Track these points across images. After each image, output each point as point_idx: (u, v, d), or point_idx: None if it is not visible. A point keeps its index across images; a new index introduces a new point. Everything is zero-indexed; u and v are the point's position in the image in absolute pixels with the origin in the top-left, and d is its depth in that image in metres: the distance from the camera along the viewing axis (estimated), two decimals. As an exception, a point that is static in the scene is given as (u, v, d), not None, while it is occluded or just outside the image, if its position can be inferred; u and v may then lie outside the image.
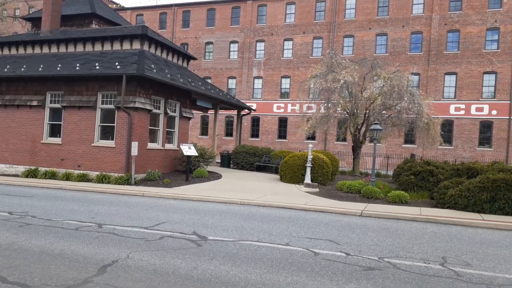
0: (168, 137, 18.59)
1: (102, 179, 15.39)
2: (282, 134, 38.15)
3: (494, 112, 31.64)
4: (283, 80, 38.28)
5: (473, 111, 32.24)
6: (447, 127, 32.53)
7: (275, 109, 38.34)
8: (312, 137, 34.92)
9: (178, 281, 5.12)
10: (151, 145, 17.08)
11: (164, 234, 7.69)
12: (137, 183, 15.27)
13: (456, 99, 32.71)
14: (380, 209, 11.66)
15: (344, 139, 32.40)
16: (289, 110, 37.41)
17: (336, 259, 6.42)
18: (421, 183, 14.80)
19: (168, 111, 18.04)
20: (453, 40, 32.97)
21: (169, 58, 20.47)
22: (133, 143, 15.15)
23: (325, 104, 22.95)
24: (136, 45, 17.97)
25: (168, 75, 17.35)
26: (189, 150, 16.43)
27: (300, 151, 25.30)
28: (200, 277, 5.30)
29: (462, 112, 32.43)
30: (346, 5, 36.14)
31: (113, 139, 16.24)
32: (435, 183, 14.13)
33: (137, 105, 15.75)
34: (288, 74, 37.87)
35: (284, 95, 38.29)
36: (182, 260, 6.00)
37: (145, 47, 18.16)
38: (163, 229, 8.15)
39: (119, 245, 6.75)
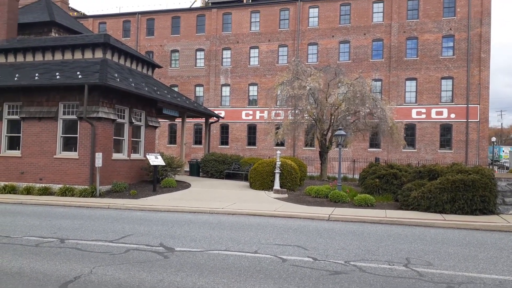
0: (134, 147, 18.23)
1: (65, 192, 14.87)
2: (251, 141, 38.26)
3: (452, 115, 33.06)
4: (251, 88, 38.49)
5: (433, 115, 33.55)
6: (410, 130, 33.68)
7: (243, 116, 38.44)
8: (281, 144, 35.22)
9: (143, 295, 5.01)
10: (116, 156, 16.68)
11: (129, 247, 7.51)
12: (102, 195, 14.86)
13: (417, 104, 33.94)
14: (346, 212, 11.87)
15: (312, 145, 32.85)
16: (257, 117, 37.60)
17: (304, 265, 6.47)
18: (385, 186, 15.21)
19: (133, 121, 17.71)
20: (412, 47, 34.30)
21: (133, 66, 20.14)
22: (97, 154, 14.76)
23: (293, 111, 23.24)
24: (99, 54, 17.57)
25: (133, 84, 17.07)
26: (155, 159, 16.17)
27: (269, 157, 25.44)
28: (167, 289, 5.20)
29: (423, 116, 33.68)
30: (309, 14, 36.89)
31: (76, 151, 15.76)
32: (399, 186, 14.54)
33: (100, 115, 15.37)
34: (256, 81, 38.12)
35: (252, 102, 38.48)
36: (148, 273, 5.88)
37: (108, 56, 17.79)
38: (128, 242, 7.95)
39: (82, 260, 6.53)
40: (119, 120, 16.80)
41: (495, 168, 39.30)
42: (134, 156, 17.96)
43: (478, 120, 32.49)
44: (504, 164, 47.22)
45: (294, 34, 37.02)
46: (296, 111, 22.98)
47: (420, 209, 12.05)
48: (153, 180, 16.28)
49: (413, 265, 6.54)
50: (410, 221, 10.70)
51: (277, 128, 24.58)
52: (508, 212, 11.56)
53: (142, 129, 18.63)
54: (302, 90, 21.53)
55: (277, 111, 26.12)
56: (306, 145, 35.14)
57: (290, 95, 22.07)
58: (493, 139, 51.07)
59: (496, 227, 10.05)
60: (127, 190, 15.67)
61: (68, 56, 17.78)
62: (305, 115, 23.41)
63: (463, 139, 32.67)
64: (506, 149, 57.79)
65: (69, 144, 16.06)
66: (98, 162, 14.62)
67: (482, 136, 32.65)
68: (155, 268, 6.17)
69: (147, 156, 16.57)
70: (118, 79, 16.07)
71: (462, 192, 11.53)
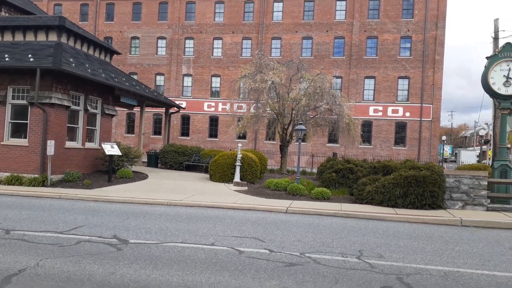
0: (89, 136, 17.56)
1: (13, 181, 14.09)
2: (213, 133, 37.98)
3: (407, 114, 34.40)
4: (213, 79, 38.12)
5: (389, 113, 34.77)
6: (367, 127, 34.73)
7: (205, 108, 38.05)
8: (243, 136, 35.19)
9: (93, 288, 4.84)
10: (69, 144, 16.00)
11: (81, 238, 7.23)
12: (54, 184, 14.22)
13: (374, 102, 35.01)
14: (304, 205, 12.07)
15: (273, 139, 33.08)
16: (220, 109, 37.34)
17: (260, 257, 6.51)
18: (342, 180, 15.59)
19: (89, 108, 17.03)
20: (371, 46, 35.26)
21: (90, 52, 19.33)
22: (49, 141, 14.07)
23: (255, 104, 23.26)
24: (53, 37, 16.71)
25: (89, 70, 16.38)
26: (111, 149, 15.66)
27: (231, 150, 25.34)
28: (118, 282, 5.05)
29: (380, 113, 34.82)
30: (274, 8, 36.95)
31: (26, 138, 14.95)
32: (354, 180, 14.96)
33: (53, 101, 14.65)
34: (218, 73, 37.79)
35: (214, 94, 38.15)
36: (99, 266, 5.68)
37: (63, 40, 16.96)
38: (80, 233, 7.66)
39: (29, 252, 6.21)
40: (73, 107, 16.10)
41: (445, 165, 41.41)
42: (89, 145, 17.31)
43: (431, 119, 34.04)
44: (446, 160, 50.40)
45: (258, 27, 36.97)
46: (258, 105, 23.02)
47: (374, 203, 12.45)
48: (108, 171, 15.77)
49: (365, 257, 6.75)
50: (364, 215, 11.04)
51: (239, 121, 24.52)
52: (454, 207, 12.19)
53: (98, 117, 17.97)
54: (264, 84, 21.57)
55: (240, 104, 26.03)
56: (267, 139, 35.35)
57: (252, 88, 22.05)
58: (444, 137, 53.78)
59: (443, 221, 10.57)
60: (81, 180, 15.09)
61: (19, 37, 16.78)
62: (267, 109, 23.49)
63: (416, 137, 34.13)
64: (446, 148, 61.91)
65: (19, 131, 15.21)
66: (50, 150, 13.95)
67: (434, 135, 34.27)
68: (107, 260, 5.97)
69: (103, 145, 16.01)
70: (73, 64, 15.37)
71: (414, 187, 12.02)
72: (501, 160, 13.23)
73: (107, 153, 15.56)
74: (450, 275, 5.93)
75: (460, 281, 5.67)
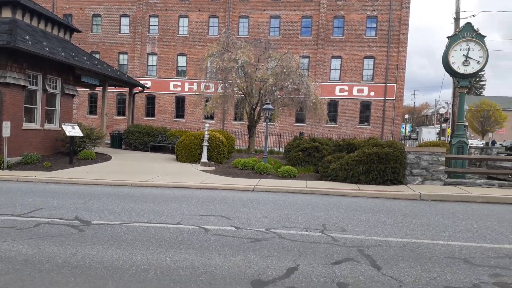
0: (49, 117, 16.87)
1: (-34, 165, 13.40)
2: (179, 113, 37.43)
3: (372, 93, 35.13)
4: (179, 58, 37.32)
5: (355, 93, 35.38)
6: (333, 107, 35.25)
7: (171, 88, 37.33)
8: (210, 117, 34.87)
9: (53, 269, 4.72)
10: (27, 125, 15.32)
11: (40, 221, 7.01)
12: (11, 167, 13.63)
13: (340, 81, 35.48)
14: (271, 183, 12.19)
15: (242, 119, 32.99)
16: (186, 89, 36.74)
17: (226, 234, 6.55)
18: (308, 158, 15.83)
19: (48, 88, 16.30)
20: (338, 26, 35.48)
21: (48, 29, 18.37)
22: (4, 123, 13.41)
23: (223, 84, 23.00)
24: (7, 14, 15.75)
25: (47, 48, 15.59)
26: (72, 130, 15.14)
27: (198, 130, 25.10)
28: (80, 263, 4.95)
29: (346, 93, 35.38)
30: (241, -15, 36.29)
31: (-21, 119, 14.17)
32: (320, 158, 15.21)
33: (8, 80, 13.91)
34: (185, 52, 37.01)
35: (181, 73, 37.42)
36: (59, 247, 5.54)
37: (18, 16, 16.01)
38: (39, 215, 7.42)
39: (-16, 236, 5.96)
40: (31, 86, 15.36)
41: (407, 143, 42.88)
42: (48, 126, 16.64)
43: (394, 98, 34.93)
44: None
45: (225, 5, 36.28)
46: (226, 84, 22.80)
47: (338, 180, 12.75)
48: (69, 152, 15.27)
49: (328, 231, 6.93)
50: (328, 191, 11.29)
51: (207, 101, 24.23)
52: (414, 182, 12.68)
53: (58, 98, 17.25)
54: (233, 63, 21.33)
55: (207, 84, 25.68)
56: (235, 119, 35.23)
57: (220, 67, 21.76)
58: (406, 116, 55.48)
59: (403, 196, 10.99)
60: (40, 162, 14.54)
61: (-33, 11, 15.69)
62: (235, 89, 23.32)
63: (380, 115, 35.01)
64: (406, 126, 64.74)
65: (-29, 111, 14.37)
66: (6, 131, 13.31)
67: (397, 113, 35.26)
68: (69, 242, 5.83)
69: (63, 126, 15.43)
70: (29, 42, 14.57)
71: (376, 164, 12.37)
72: (459, 137, 13.81)
73: (67, 134, 15.03)
74: (408, 246, 6.20)
75: (417, 251, 5.94)
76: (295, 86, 22.16)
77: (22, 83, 14.61)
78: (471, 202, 10.57)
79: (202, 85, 25.71)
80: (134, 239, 6.07)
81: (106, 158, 17.01)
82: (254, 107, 23.11)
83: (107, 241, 5.91)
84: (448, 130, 33.65)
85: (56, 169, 13.73)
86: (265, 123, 16.50)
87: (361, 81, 35.33)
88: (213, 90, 24.68)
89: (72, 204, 8.62)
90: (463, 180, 12.85)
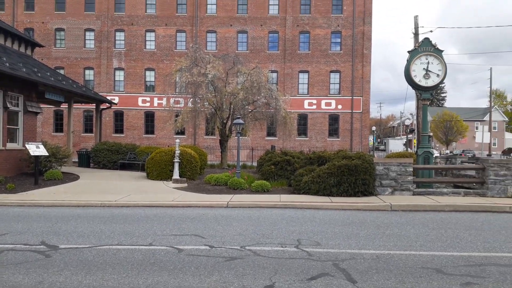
0: (11, 135, 16.20)
1: None
2: (149, 129, 36.86)
3: (340, 106, 35.92)
4: (147, 73, 36.94)
5: (323, 106, 36.07)
6: (303, 120, 35.75)
7: (140, 103, 36.79)
8: (181, 132, 34.50)
9: (18, 301, 4.46)
10: (-13, 146, 14.65)
11: (3, 247, 6.64)
12: (-30, 190, 12.92)
13: (309, 95, 36.11)
14: (244, 199, 12.13)
15: (213, 134, 32.90)
16: (155, 104, 36.31)
17: (200, 253, 6.42)
18: (280, 172, 15.90)
19: (9, 105, 15.69)
20: (304, 41, 36.26)
21: (8, 44, 17.78)
22: (-38, 143, 12.75)
23: (192, 99, 22.88)
24: (-37, 27, 15.13)
25: (7, 64, 15.05)
26: (37, 149, 14.57)
27: (169, 146, 24.76)
28: (47, 292, 4.71)
29: (314, 106, 36.01)
30: (208, 0, 36.55)
31: None
32: (292, 172, 15.31)
33: (-34, 98, 13.29)
34: (152, 66, 36.67)
35: (149, 88, 36.99)
36: (24, 276, 5.25)
37: (-25, 30, 15.42)
38: (2, 242, 7.03)
39: None
40: (-10, 104, 14.74)
41: (375, 154, 43.94)
42: (10, 145, 15.97)
43: (361, 111, 35.85)
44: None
45: (193, 20, 36.37)
46: (196, 99, 22.70)
47: (310, 192, 12.85)
48: (34, 173, 14.66)
49: (303, 246, 6.93)
50: (301, 204, 11.34)
51: (177, 116, 23.99)
52: (384, 193, 12.95)
53: (20, 115, 16.63)
54: (202, 77, 21.30)
55: (177, 98, 25.48)
56: (207, 134, 35.07)
57: (189, 81, 21.67)
58: (373, 128, 56.98)
59: (375, 207, 11.19)
60: (3, 184, 13.88)
61: None
62: (205, 103, 23.25)
63: (349, 128, 35.79)
64: (370, 138, 67.08)
65: None
66: (-36, 153, 12.65)
67: (365, 126, 36.15)
68: (34, 269, 5.54)
69: (27, 145, 14.83)
70: (-12, 58, 14.03)
71: (347, 176, 12.56)
72: (424, 148, 14.27)
73: (32, 154, 14.45)
74: (381, 257, 6.29)
75: (390, 262, 6.03)
76: (265, 100, 22.35)
77: (-19, 101, 14.00)
78: (439, 211, 10.89)
79: (172, 100, 25.49)
80: (104, 263, 5.85)
81: (73, 177, 16.44)
82: (225, 121, 23.08)
83: (75, 266, 5.66)
84: (414, 141, 34.80)
85: (20, 191, 13.11)
86: (237, 137, 16.49)
87: (329, 95, 36.08)
88: (183, 105, 24.50)
89: (38, 228, 8.23)
90: (431, 190, 13.24)
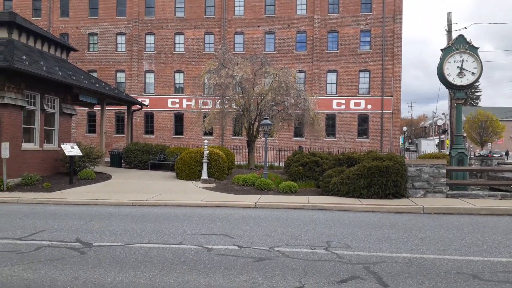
0: (48, 136, 16.84)
1: (-36, 187, 13.28)
2: (178, 130, 37.42)
3: (369, 106, 35.29)
4: (177, 75, 37.51)
5: (352, 106, 35.52)
6: (331, 120, 35.34)
7: (170, 105, 37.40)
8: (209, 133, 34.81)
9: (55, 296, 4.62)
10: (26, 146, 15.27)
11: (41, 244, 6.91)
12: (11, 189, 13.52)
13: (337, 95, 35.66)
14: (272, 199, 12.11)
15: (240, 134, 33.01)
16: (184, 106, 36.80)
17: (229, 253, 6.46)
18: (308, 173, 15.77)
19: (46, 108, 16.31)
20: (333, 40, 35.84)
21: (45, 49, 18.49)
22: (3, 144, 13.36)
23: (220, 100, 23.06)
24: (3, 34, 15.87)
25: (44, 68, 15.66)
26: (71, 149, 15.08)
27: (197, 147, 25.05)
28: (82, 287, 4.86)
29: (343, 107, 35.52)
30: (235, 2, 36.74)
31: (-23, 141, 14.11)
32: (320, 173, 15.16)
33: (6, 101, 13.92)
34: (182, 68, 37.22)
35: (178, 90, 37.55)
36: (61, 271, 5.44)
37: (15, 36, 16.13)
38: (40, 238, 7.31)
39: (-17, 262, 5.86)
40: (29, 107, 15.38)
41: (406, 155, 42.93)
42: (47, 146, 16.59)
43: (392, 111, 35.08)
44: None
45: (220, 22, 36.67)
46: (224, 100, 22.85)
47: (339, 194, 12.68)
48: (69, 172, 15.18)
49: (333, 248, 6.85)
50: (330, 206, 11.21)
51: (205, 117, 24.25)
52: (416, 195, 12.62)
53: (56, 117, 17.25)
54: (230, 79, 21.43)
55: (205, 100, 25.74)
56: (234, 134, 35.25)
57: (217, 83, 21.85)
58: (404, 128, 55.68)
59: (406, 209, 10.92)
60: (40, 183, 14.44)
61: (-35, 34, 15.78)
62: (232, 105, 23.37)
63: (379, 128, 35.09)
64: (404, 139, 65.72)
65: (-31, 133, 14.33)
66: (5, 152, 13.25)
67: (395, 126, 35.36)
68: (70, 265, 5.73)
69: (62, 146, 15.38)
70: (26, 62, 14.64)
71: (377, 177, 12.32)
72: (458, 149, 13.81)
73: (67, 154, 14.97)
74: (414, 261, 6.12)
75: (424, 266, 5.86)
76: (293, 101, 22.23)
77: (20, 103, 14.61)
78: (475, 214, 10.51)
79: (200, 102, 25.79)
80: (136, 261, 5.98)
81: (106, 177, 16.92)
82: (252, 122, 23.14)
83: (109, 264, 5.81)
84: (447, 142, 33.74)
85: (56, 190, 13.62)
86: (264, 138, 16.49)
87: (358, 94, 35.52)
88: (211, 106, 24.73)
89: (73, 225, 8.52)
90: (465, 192, 12.79)
